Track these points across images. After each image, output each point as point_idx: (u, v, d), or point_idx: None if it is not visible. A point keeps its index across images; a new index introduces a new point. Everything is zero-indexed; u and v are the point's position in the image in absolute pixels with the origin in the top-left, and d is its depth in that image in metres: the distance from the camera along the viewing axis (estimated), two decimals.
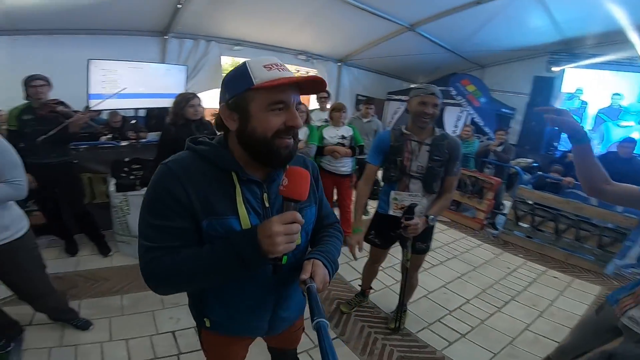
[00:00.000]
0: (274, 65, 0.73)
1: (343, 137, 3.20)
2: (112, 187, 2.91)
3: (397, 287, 2.36)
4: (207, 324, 0.92)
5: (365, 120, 4.16)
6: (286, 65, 0.76)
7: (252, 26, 5.53)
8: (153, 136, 3.88)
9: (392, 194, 1.90)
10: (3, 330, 1.85)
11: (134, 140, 3.73)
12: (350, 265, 3.08)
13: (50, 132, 2.51)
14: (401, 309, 2.30)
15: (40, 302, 1.88)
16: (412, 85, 8.73)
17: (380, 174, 2.07)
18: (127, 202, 2.86)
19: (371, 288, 2.59)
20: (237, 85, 0.73)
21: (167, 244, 0.74)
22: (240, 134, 0.76)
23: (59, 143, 2.63)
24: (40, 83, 2.56)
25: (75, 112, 2.72)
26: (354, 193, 2.89)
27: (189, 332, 2.15)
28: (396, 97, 8.28)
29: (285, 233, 0.68)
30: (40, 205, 2.89)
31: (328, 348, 0.57)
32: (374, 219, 2.14)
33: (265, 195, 0.81)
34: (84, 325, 2.11)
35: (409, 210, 1.81)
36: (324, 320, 0.62)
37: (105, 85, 3.82)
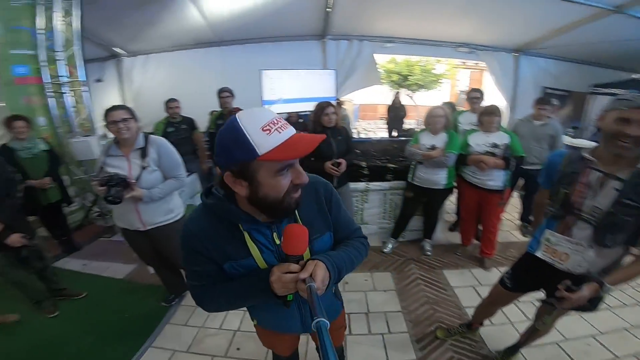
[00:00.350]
0: (272, 125, 0.73)
1: (494, 146, 2.59)
2: None
3: (523, 325, 1.90)
4: (255, 322, 1.20)
5: (537, 123, 3.25)
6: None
7: (402, 20, 5.27)
8: None
9: (547, 232, 1.38)
10: (177, 288, 2.48)
11: None
12: (475, 290, 2.60)
13: None
14: (512, 351, 1.81)
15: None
16: (634, 76, 6.30)
17: None
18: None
19: (481, 325, 2.15)
20: (238, 154, 0.73)
21: (204, 282, 0.94)
22: (252, 198, 0.80)
23: None
24: (226, 95, 3.30)
25: None
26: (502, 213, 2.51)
27: None
28: (606, 91, 5.98)
29: (281, 280, 0.79)
30: None
31: (328, 348, 0.58)
32: (520, 258, 1.64)
33: (275, 234, 0.89)
34: None
35: (576, 280, 1.23)
36: (324, 320, 0.64)
37: (274, 93, 4.49)
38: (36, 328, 2.32)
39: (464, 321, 2.23)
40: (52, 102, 3.63)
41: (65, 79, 3.61)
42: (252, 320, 1.20)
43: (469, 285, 2.68)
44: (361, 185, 3.20)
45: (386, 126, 8.22)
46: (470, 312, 2.34)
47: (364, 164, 3.22)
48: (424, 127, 2.86)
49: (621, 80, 6.09)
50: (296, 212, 0.89)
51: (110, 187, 1.81)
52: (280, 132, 0.73)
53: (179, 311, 2.48)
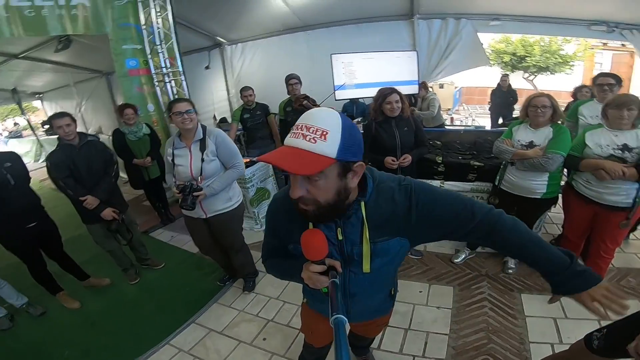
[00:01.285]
0: (295, 129, 0.77)
1: (625, 148, 1.93)
2: None
3: None
4: (305, 300, 1.34)
5: None
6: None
7: None
8: None
9: None
10: (232, 271, 2.70)
11: None
12: (556, 323, 2.07)
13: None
14: None
15: (239, 255, 2.50)
16: None
17: None
18: None
19: None
20: None
21: (273, 253, 1.10)
22: None
23: None
24: (294, 82, 3.35)
25: (315, 104, 3.24)
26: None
27: None
28: None
29: (309, 278, 0.88)
30: None
31: (343, 344, 0.60)
32: (625, 318, 1.12)
33: (339, 229, 0.91)
34: (249, 287, 2.62)
35: None
36: (342, 317, 0.66)
37: (345, 77, 4.35)
38: (120, 291, 2.83)
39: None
40: (158, 90, 4.21)
41: (166, 70, 4.14)
42: (303, 299, 1.34)
43: (549, 317, 2.12)
44: (434, 184, 2.82)
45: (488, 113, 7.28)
46: (534, 349, 1.88)
47: (439, 158, 2.85)
48: (520, 119, 2.35)
49: None
50: (364, 216, 0.89)
51: (185, 196, 2.01)
52: (290, 137, 0.77)
53: (229, 292, 2.66)
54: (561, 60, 9.01)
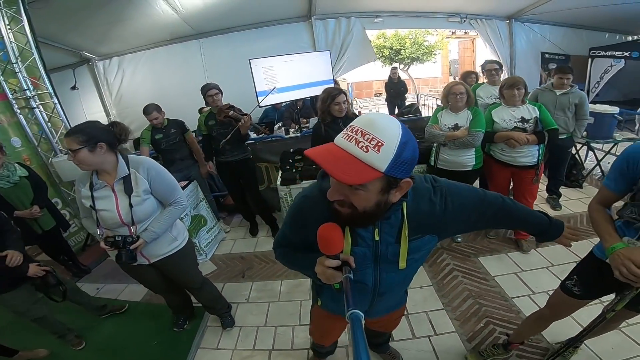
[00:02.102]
0: (350, 130, 0.74)
1: (523, 120, 2.46)
2: (278, 180, 3.17)
3: (583, 316, 1.67)
4: (319, 302, 1.30)
5: (560, 92, 3.12)
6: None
7: None
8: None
9: (625, 239, 1.19)
10: (185, 310, 2.37)
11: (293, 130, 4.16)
12: (519, 277, 2.49)
13: (227, 138, 2.95)
14: (574, 342, 1.57)
15: (202, 292, 2.19)
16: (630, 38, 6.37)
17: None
18: (290, 194, 3.08)
19: (522, 343, 1.86)
20: None
21: (286, 244, 1.11)
22: None
23: (236, 143, 3.04)
24: (214, 92, 2.98)
25: (243, 114, 2.99)
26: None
27: None
28: (605, 54, 6.07)
29: (323, 273, 0.86)
30: (230, 192, 3.55)
31: (360, 339, 0.60)
32: (584, 261, 1.47)
33: (376, 230, 0.91)
34: (229, 324, 2.34)
35: None
36: (358, 312, 0.66)
37: (267, 82, 4.19)
38: None
39: (517, 312, 2.11)
40: (21, 119, 3.33)
41: (30, 93, 3.32)
42: (317, 302, 1.32)
43: (511, 273, 2.53)
44: None
45: (385, 103, 7.99)
46: (519, 303, 2.24)
47: None
48: (441, 105, 2.71)
49: (618, 43, 6.16)
50: (405, 214, 0.90)
51: (120, 250, 1.64)
52: (343, 137, 0.74)
53: (208, 333, 2.33)
54: (427, 51, 10.61)
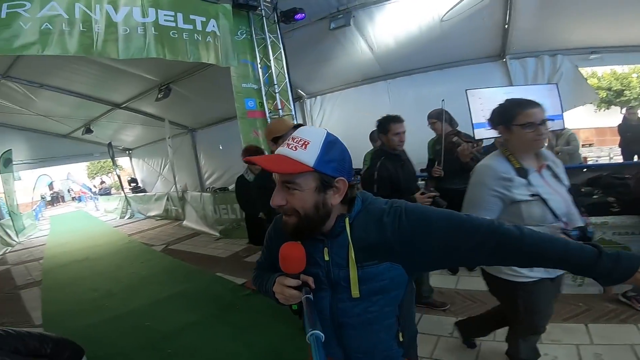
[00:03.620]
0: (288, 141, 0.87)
1: None
2: None
3: None
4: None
5: None
6: None
7: (605, 28, 4.61)
8: None
9: None
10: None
11: None
12: None
13: (440, 162, 3.09)
14: None
15: None
16: None
17: None
18: None
19: None
20: None
21: (261, 267, 1.16)
22: None
23: (459, 171, 2.88)
24: (432, 120, 3.38)
25: (468, 142, 3.02)
26: None
27: None
28: None
29: (281, 292, 0.90)
30: None
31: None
32: None
33: (325, 249, 0.92)
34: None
35: None
36: (318, 332, 0.70)
37: (485, 114, 4.37)
38: None
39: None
40: None
41: (281, 113, 4.34)
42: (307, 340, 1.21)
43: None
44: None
45: (618, 150, 6.96)
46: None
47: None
48: None
49: None
50: (349, 235, 0.89)
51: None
52: (279, 148, 0.89)
53: None
54: None
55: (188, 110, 8.36)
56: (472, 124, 4.05)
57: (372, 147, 4.23)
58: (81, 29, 2.93)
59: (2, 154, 9.44)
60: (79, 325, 3.34)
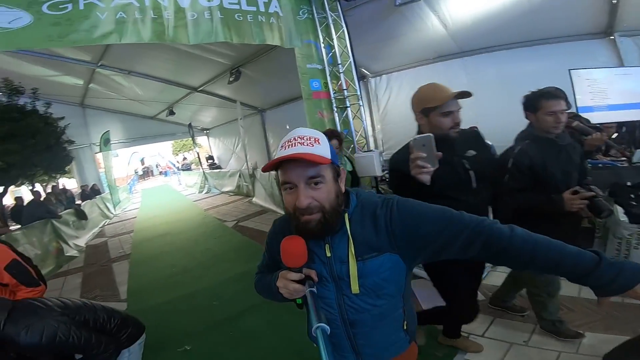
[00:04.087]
0: (287, 144, 0.87)
1: None
2: (622, 217, 2.58)
3: None
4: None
5: None
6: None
7: None
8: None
9: None
10: None
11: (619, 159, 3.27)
12: None
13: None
14: None
15: None
16: None
17: None
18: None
19: None
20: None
21: (263, 270, 1.16)
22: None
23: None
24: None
25: (592, 127, 2.53)
26: None
27: None
28: None
29: (285, 287, 0.90)
30: None
31: (327, 354, 0.66)
32: None
33: (327, 246, 0.94)
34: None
35: None
36: (324, 325, 0.72)
37: (593, 97, 3.71)
38: None
39: None
40: (336, 117, 4.23)
41: (346, 94, 4.21)
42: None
43: None
44: None
45: None
46: None
47: None
48: None
49: None
50: (348, 229, 0.91)
51: None
52: (285, 149, 0.86)
53: None
54: None
55: (257, 92, 8.66)
56: (577, 107, 3.45)
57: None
58: (152, 16, 3.07)
59: (102, 135, 10.86)
60: (156, 301, 3.64)
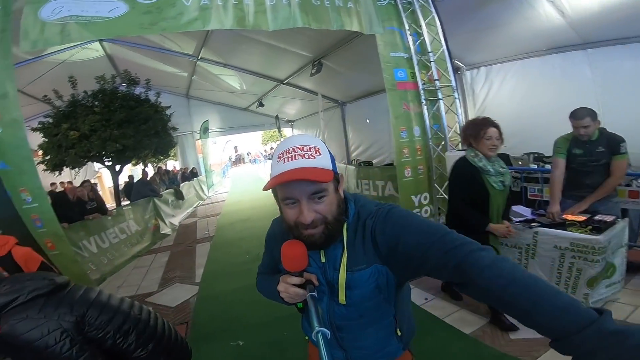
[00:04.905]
0: (285, 154, 0.82)
1: None
2: None
3: None
4: (307, 337, 1.16)
5: None
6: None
7: None
8: None
9: None
10: None
11: None
12: None
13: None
14: None
15: None
16: None
17: None
18: None
19: None
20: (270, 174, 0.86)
21: (264, 269, 1.18)
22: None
23: None
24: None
25: None
26: None
27: None
28: None
29: (286, 291, 0.89)
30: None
31: (327, 357, 0.67)
32: None
33: (322, 251, 0.93)
34: None
35: None
36: (325, 330, 0.71)
37: None
38: None
39: None
40: (425, 110, 3.83)
41: (438, 85, 3.77)
42: (305, 337, 1.16)
43: None
44: None
45: None
46: None
47: None
48: None
49: None
50: (345, 240, 0.90)
51: None
52: (285, 162, 0.81)
53: None
54: None
55: (338, 84, 8.57)
56: None
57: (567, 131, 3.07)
58: (233, 2, 3.09)
59: (202, 123, 12.07)
60: (223, 289, 3.73)
